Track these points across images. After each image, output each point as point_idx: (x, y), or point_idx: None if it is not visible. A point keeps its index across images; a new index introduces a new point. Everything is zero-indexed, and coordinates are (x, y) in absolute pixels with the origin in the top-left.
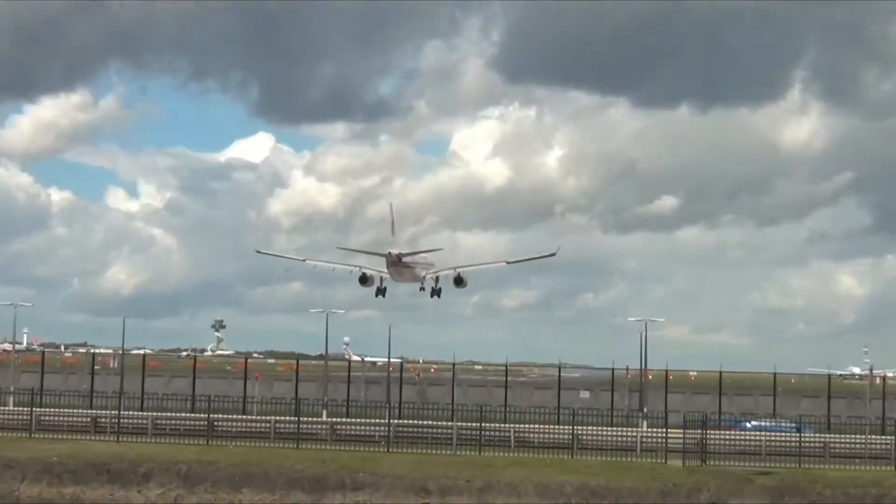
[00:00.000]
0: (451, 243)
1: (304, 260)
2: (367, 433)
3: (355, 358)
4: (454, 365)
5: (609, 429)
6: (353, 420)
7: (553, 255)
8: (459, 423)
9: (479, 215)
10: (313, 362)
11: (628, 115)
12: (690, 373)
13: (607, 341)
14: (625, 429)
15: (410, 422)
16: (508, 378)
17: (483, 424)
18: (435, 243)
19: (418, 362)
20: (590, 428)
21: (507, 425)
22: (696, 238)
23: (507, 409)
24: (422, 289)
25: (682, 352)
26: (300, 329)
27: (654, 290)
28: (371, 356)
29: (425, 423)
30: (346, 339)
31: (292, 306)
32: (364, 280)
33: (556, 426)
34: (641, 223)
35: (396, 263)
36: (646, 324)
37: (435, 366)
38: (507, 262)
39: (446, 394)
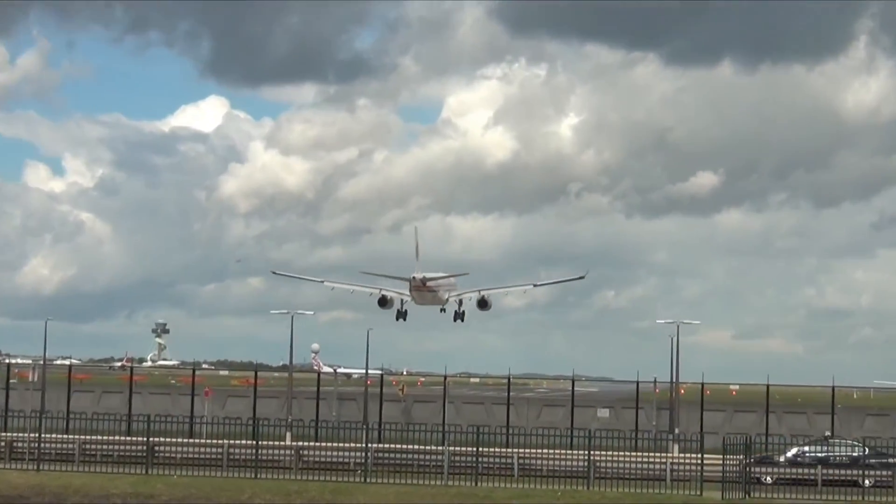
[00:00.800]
0: (442, 230)
1: (322, 281)
2: (341, 460)
3: (326, 369)
4: (446, 378)
5: (633, 454)
6: (324, 444)
7: (582, 277)
8: (452, 448)
9: (476, 196)
10: (275, 375)
11: (659, 74)
12: (732, 387)
13: (631, 349)
14: (652, 454)
15: (393, 446)
16: (511, 393)
17: (480, 449)
18: (424, 229)
19: (402, 374)
20: (609, 453)
21: (509, 450)
22: (739, 223)
23: (510, 430)
24: (442, 310)
25: (722, 361)
26: (259, 335)
27: (689, 286)
28: (345, 367)
29: (411, 447)
30: (315, 346)
31: (250, 307)
32: (384, 302)
33: (569, 451)
34: (674, 205)
35: (420, 288)
36: (678, 327)
37: (423, 378)
38: (535, 285)
39: (436, 412)
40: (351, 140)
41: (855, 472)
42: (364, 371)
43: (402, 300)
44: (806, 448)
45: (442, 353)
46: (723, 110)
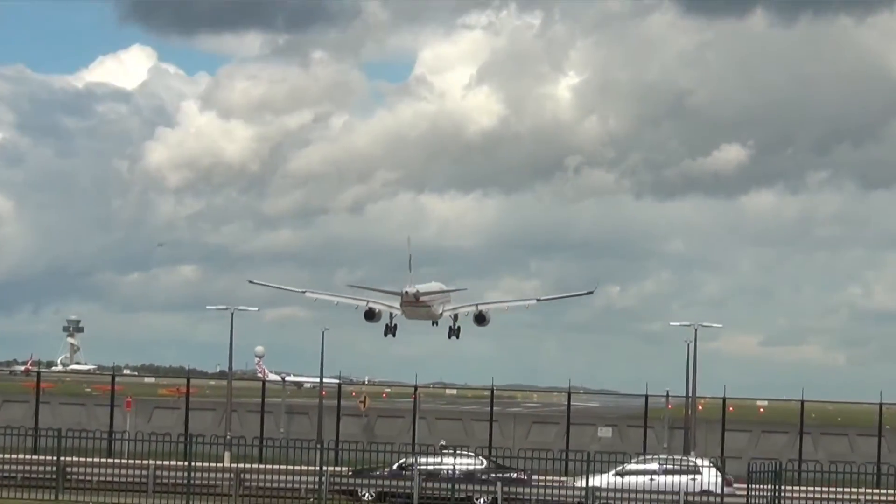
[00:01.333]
0: (413, 211)
1: (303, 292)
2: (290, 486)
3: (273, 377)
4: (416, 388)
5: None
6: (269, 467)
7: (591, 293)
8: (423, 472)
9: (456, 171)
10: (211, 383)
11: (676, 25)
12: (759, 403)
13: (639, 356)
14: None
15: (352, 469)
16: (495, 408)
17: (458, 474)
18: (392, 208)
19: (364, 384)
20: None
21: (491, 476)
22: (771, 207)
23: (494, 452)
24: (434, 324)
25: (748, 372)
26: (192, 335)
27: (709, 282)
28: (295, 375)
29: (373, 471)
30: (260, 349)
31: (181, 301)
32: (371, 315)
33: (564, 477)
34: (692, 185)
35: (413, 303)
36: (696, 331)
37: (388, 389)
38: (538, 300)
39: (404, 430)
40: (304, 101)
41: (471, 487)
42: (318, 380)
43: (391, 314)
44: (412, 460)
45: (412, 360)
46: (753, 70)
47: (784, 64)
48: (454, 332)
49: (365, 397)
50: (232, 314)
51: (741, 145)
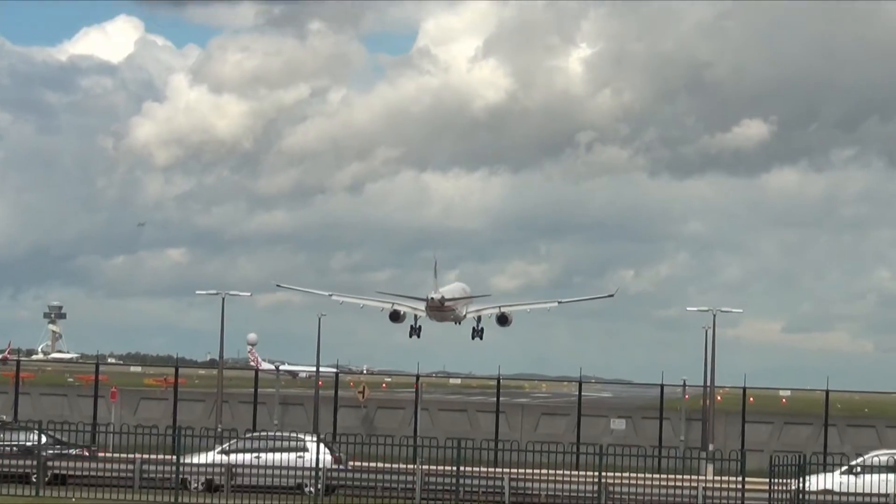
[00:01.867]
0: (415, 190)
1: (330, 295)
2: (285, 482)
3: (266, 366)
4: (419, 378)
5: (656, 477)
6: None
7: (611, 296)
8: (426, 467)
9: (460, 148)
10: (201, 372)
11: None
12: (782, 393)
13: (655, 344)
14: (680, 477)
15: (350, 464)
16: (502, 398)
17: (462, 469)
18: (392, 188)
19: (363, 373)
20: (626, 476)
21: (498, 470)
22: (794, 185)
23: (500, 445)
24: (457, 323)
25: (770, 361)
26: (181, 322)
27: (729, 265)
28: (291, 364)
29: (373, 465)
30: (252, 336)
31: (169, 286)
32: (396, 317)
33: (575, 472)
34: (711, 162)
35: (439, 308)
36: (714, 317)
37: (389, 379)
38: (560, 302)
39: (405, 422)
40: (300, 75)
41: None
42: (314, 369)
43: (415, 315)
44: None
45: (414, 348)
46: (775, 41)
47: (808, 34)
48: (477, 333)
49: (364, 387)
50: (223, 299)
51: (763, 120)
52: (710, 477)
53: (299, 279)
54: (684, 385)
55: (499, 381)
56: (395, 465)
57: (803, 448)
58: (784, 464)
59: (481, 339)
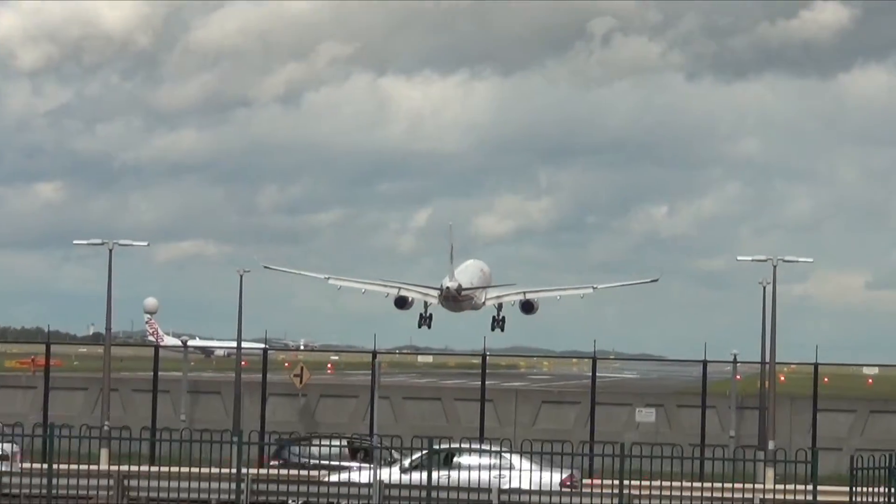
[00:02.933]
0: (373, 99)
1: (327, 278)
2: (195, 496)
3: (170, 341)
4: (376, 356)
5: (696, 486)
6: (165, 470)
7: (656, 280)
8: (384, 472)
9: (433, 43)
10: (81, 350)
11: None
12: (867, 371)
13: (694, 307)
14: (730, 486)
15: (283, 471)
16: (489, 382)
17: (438, 473)
18: (341, 97)
19: (300, 349)
20: (657, 484)
21: (485, 474)
22: (883, 89)
23: (485, 442)
24: (475, 310)
25: (851, 328)
26: (54, 282)
27: (795, 198)
28: (203, 338)
29: (314, 470)
30: (151, 302)
31: (39, 234)
32: (403, 303)
33: (589, 480)
34: (772, 59)
35: (456, 298)
36: (775, 269)
37: (336, 357)
38: (595, 288)
39: (358, 413)
40: None
41: None
42: (234, 344)
43: (425, 303)
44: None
45: (370, 316)
46: None
47: None
48: (498, 323)
49: (302, 369)
50: (110, 251)
51: (841, 2)
52: (770, 485)
53: (213, 222)
54: (735, 361)
55: (484, 359)
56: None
57: None
58: (871, 466)
59: (502, 330)
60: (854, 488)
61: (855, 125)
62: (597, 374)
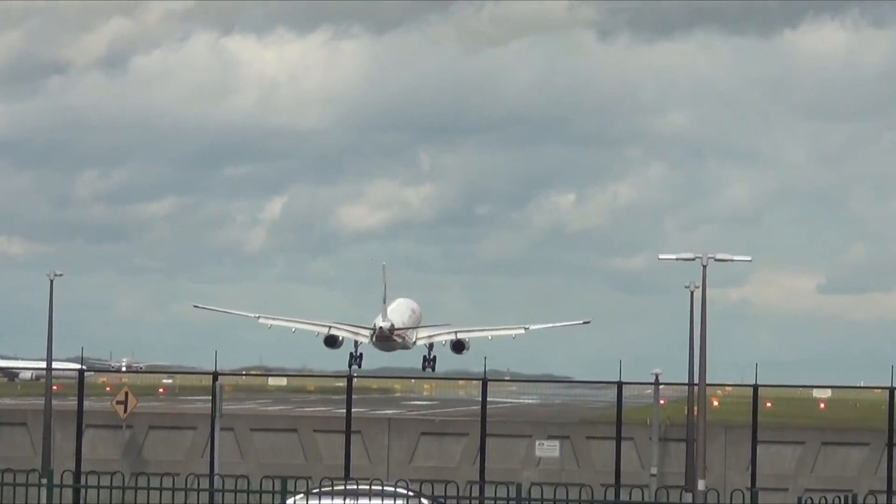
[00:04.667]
0: (214, 63)
1: (257, 317)
2: None
3: None
4: (217, 376)
5: None
6: None
7: (588, 322)
8: None
9: None
10: None
11: None
12: (817, 394)
13: (608, 315)
14: None
15: None
16: (358, 409)
17: None
18: (176, 61)
19: (122, 370)
20: None
21: None
22: (839, 48)
23: (351, 484)
24: (405, 349)
25: (800, 339)
26: None
27: (732, 182)
28: (6, 357)
29: None
30: None
31: None
32: (332, 342)
33: None
34: (701, 14)
35: (388, 338)
36: (704, 269)
37: (170, 380)
38: (527, 328)
39: (197, 450)
40: None
41: None
42: (44, 365)
43: (356, 342)
44: None
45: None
46: None
47: None
48: (429, 362)
49: (127, 394)
50: None
51: None
52: None
53: (18, 215)
54: (657, 383)
55: (350, 381)
56: None
57: (854, 483)
58: None
59: (433, 369)
60: None
61: (804, 94)
62: (488, 398)
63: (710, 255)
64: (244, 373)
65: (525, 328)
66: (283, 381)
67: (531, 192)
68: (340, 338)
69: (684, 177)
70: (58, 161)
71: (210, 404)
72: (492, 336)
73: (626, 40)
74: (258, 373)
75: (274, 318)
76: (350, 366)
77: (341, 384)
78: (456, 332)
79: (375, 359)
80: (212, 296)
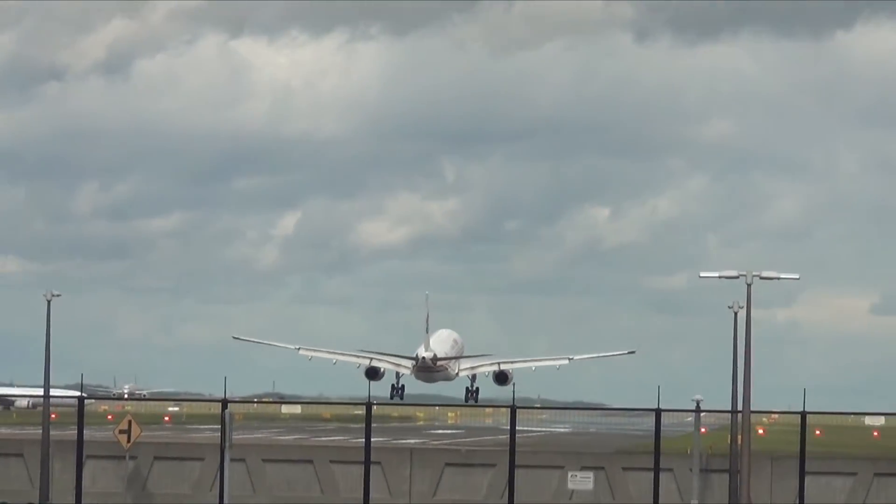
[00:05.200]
0: (223, 67)
1: (297, 349)
2: None
3: None
4: (227, 404)
5: None
6: None
7: (632, 352)
8: None
9: None
10: None
11: None
12: (871, 420)
13: (645, 336)
14: None
15: None
16: (379, 438)
17: None
18: (182, 65)
19: (125, 397)
20: None
21: None
22: (890, 48)
23: None
24: (448, 380)
25: (852, 363)
26: None
27: (780, 195)
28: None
29: None
30: None
31: None
32: (374, 374)
33: None
34: (749, 14)
35: (430, 369)
36: (749, 287)
37: (175, 408)
38: (571, 359)
39: (205, 482)
40: None
41: None
42: (41, 393)
43: (397, 373)
44: None
45: (217, 349)
46: None
47: None
48: (472, 394)
49: (130, 423)
50: None
51: None
52: None
53: (13, 231)
54: (698, 410)
55: (369, 409)
56: None
57: None
58: None
59: (476, 401)
60: None
61: (859, 100)
62: (517, 427)
63: (755, 273)
64: (256, 400)
65: (569, 359)
66: (297, 409)
67: (564, 206)
68: (382, 369)
69: (728, 189)
70: (55, 173)
71: (219, 433)
72: (535, 367)
73: (666, 42)
74: (270, 400)
75: (315, 350)
76: (392, 397)
77: (360, 412)
78: (499, 364)
79: (417, 390)
80: (221, 317)
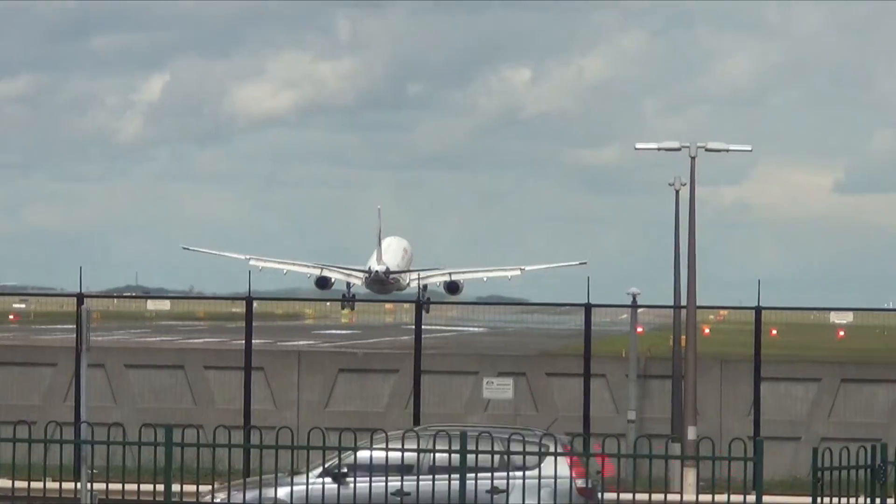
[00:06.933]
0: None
1: (247, 259)
2: None
3: None
4: (83, 299)
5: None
6: None
7: (584, 263)
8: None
9: None
10: None
11: None
12: (835, 317)
13: (569, 219)
14: (629, 497)
15: None
16: (256, 340)
17: None
18: None
19: None
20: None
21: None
22: None
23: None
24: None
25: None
26: None
27: (726, 54)
28: None
29: None
30: None
31: None
32: (324, 284)
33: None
34: None
35: (383, 282)
36: (693, 160)
37: (22, 303)
38: (522, 270)
39: (58, 390)
40: None
41: None
42: None
43: (348, 283)
44: None
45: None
46: None
47: None
48: (423, 304)
49: None
50: None
51: None
52: (690, 495)
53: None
54: (634, 305)
55: (249, 304)
56: None
57: (882, 431)
58: (843, 465)
59: (427, 311)
60: (818, 499)
61: None
62: (423, 326)
63: (700, 144)
64: (116, 294)
65: (521, 269)
66: (165, 305)
67: (476, 68)
68: (332, 279)
69: (669, 47)
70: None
71: (74, 334)
72: (487, 277)
73: None
74: (134, 294)
75: (265, 260)
76: (343, 307)
77: (238, 310)
78: (450, 274)
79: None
80: (75, 197)
